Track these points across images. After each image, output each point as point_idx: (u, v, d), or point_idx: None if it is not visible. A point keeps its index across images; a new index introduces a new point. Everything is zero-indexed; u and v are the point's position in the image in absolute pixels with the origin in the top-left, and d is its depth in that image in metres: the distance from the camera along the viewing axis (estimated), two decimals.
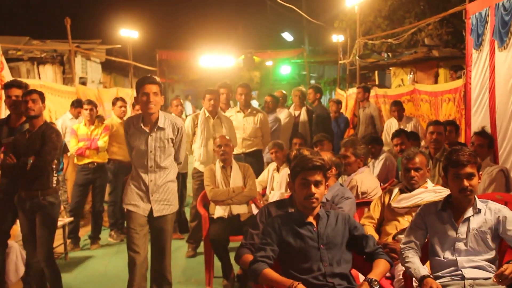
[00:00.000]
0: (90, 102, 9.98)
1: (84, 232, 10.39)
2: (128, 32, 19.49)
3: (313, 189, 4.45)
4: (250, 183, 7.75)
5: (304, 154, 5.30)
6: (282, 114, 12.24)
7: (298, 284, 4.15)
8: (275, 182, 8.60)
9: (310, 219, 4.53)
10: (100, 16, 25.61)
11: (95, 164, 9.75)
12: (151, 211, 6.10)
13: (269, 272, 4.30)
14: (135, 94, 6.35)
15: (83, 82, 16.66)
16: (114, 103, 10.63)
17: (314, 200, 4.47)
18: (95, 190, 9.89)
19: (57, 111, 11.41)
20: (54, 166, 6.48)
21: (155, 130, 6.06)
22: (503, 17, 7.56)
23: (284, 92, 14.04)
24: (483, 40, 8.46)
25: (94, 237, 9.88)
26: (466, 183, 4.53)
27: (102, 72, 19.32)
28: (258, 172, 8.94)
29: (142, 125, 6.07)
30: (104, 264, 8.77)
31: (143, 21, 22.65)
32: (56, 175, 6.53)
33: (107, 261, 8.93)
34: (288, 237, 4.45)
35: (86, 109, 9.76)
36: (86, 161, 9.71)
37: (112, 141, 10.09)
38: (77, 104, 10.92)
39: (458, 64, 14.39)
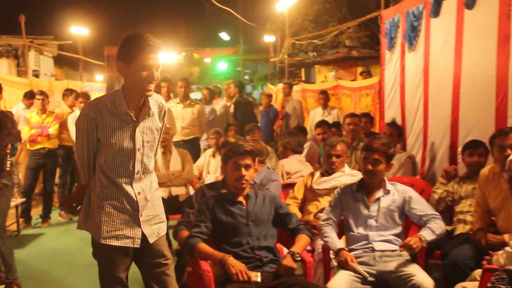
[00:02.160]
0: (42, 92, 9.79)
1: (36, 212, 10.20)
2: (79, 29, 19.16)
3: (243, 171, 4.51)
4: (188, 167, 7.74)
5: (233, 141, 5.36)
6: (218, 105, 12.36)
7: (229, 256, 4.22)
8: (211, 166, 8.61)
9: (241, 198, 4.57)
10: (53, 14, 25.12)
11: (46, 149, 9.56)
12: (143, 238, 3.80)
13: (203, 246, 4.34)
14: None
15: (36, 75, 16.35)
16: (66, 95, 10.52)
17: (244, 181, 4.52)
18: (46, 173, 9.72)
19: (11, 101, 11.14)
20: (8, 151, 6.35)
21: (143, 116, 3.74)
22: (413, 23, 7.73)
23: (219, 86, 14.20)
24: (395, 43, 8.62)
25: (45, 216, 9.73)
26: (370, 166, 4.66)
27: (54, 65, 19.00)
28: (195, 158, 8.94)
29: (127, 110, 3.67)
30: (54, 241, 8.64)
31: (93, 19, 22.25)
32: (10, 159, 6.40)
33: (57, 238, 8.81)
34: (220, 214, 4.49)
35: (39, 99, 9.57)
36: (38, 146, 9.52)
37: (62, 129, 9.95)
38: (29, 96, 10.72)
39: (366, 70, 14.73)
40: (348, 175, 5.80)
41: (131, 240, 3.75)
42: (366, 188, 4.80)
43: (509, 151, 4.65)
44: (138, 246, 3.77)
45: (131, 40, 3.56)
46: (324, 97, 11.74)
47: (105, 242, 3.70)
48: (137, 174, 3.75)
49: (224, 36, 39.50)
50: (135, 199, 3.74)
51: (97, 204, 3.73)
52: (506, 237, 4.46)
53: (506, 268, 3.52)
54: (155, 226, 3.88)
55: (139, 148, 3.72)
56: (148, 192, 3.83)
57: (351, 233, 4.71)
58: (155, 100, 3.83)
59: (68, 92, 10.69)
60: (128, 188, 3.73)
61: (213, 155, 8.75)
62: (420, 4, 7.52)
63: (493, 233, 4.78)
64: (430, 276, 4.22)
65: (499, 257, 4.02)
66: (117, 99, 3.67)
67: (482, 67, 5.94)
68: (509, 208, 4.64)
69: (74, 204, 3.92)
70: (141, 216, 3.77)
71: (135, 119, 3.69)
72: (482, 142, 5.50)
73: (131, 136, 3.69)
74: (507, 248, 4.00)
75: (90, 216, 3.77)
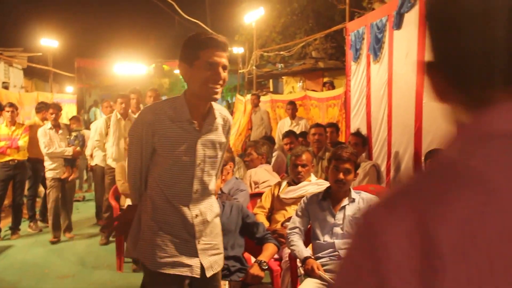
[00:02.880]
0: (11, 104, 9.67)
1: (5, 224, 10.05)
2: (49, 41, 19.00)
3: None
4: None
5: None
6: None
7: None
8: None
9: None
10: (22, 26, 24.80)
11: (16, 161, 9.44)
12: (201, 270, 3.29)
13: None
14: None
15: (6, 87, 16.16)
16: (41, 108, 10.44)
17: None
18: (16, 185, 9.59)
19: None
20: None
21: (207, 127, 3.27)
22: (377, 35, 7.80)
23: None
24: (360, 54, 8.70)
25: (15, 228, 9.59)
26: (341, 176, 4.68)
27: (24, 77, 18.81)
28: None
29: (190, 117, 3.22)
30: (23, 253, 8.51)
31: (63, 30, 22.11)
32: None
33: (26, 250, 8.67)
34: None
35: (8, 111, 9.45)
36: (7, 158, 9.40)
37: (31, 141, 9.84)
38: None
39: (328, 81, 14.85)
40: (314, 184, 5.81)
41: (188, 268, 3.23)
42: (332, 197, 4.81)
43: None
44: (198, 276, 3.25)
45: (194, 38, 3.19)
46: (292, 108, 11.78)
47: (157, 270, 3.20)
48: (195, 193, 3.24)
49: None
50: (192, 222, 3.24)
51: (148, 226, 3.24)
52: None
53: None
54: (212, 257, 3.35)
55: (199, 163, 3.22)
56: (207, 215, 3.32)
57: (318, 241, 4.71)
58: (219, 112, 3.36)
59: (42, 105, 10.58)
60: (184, 209, 3.23)
61: None
62: (384, 17, 7.61)
63: None
64: None
65: None
66: (179, 105, 3.22)
67: None
68: None
69: (122, 228, 3.49)
70: (198, 243, 3.27)
71: (197, 129, 3.22)
72: None
73: (191, 148, 3.19)
74: None
75: (140, 241, 3.28)
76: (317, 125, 8.26)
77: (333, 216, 4.70)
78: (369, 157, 8.03)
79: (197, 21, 20.33)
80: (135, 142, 3.27)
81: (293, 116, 11.72)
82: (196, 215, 3.25)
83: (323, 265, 4.48)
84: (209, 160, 3.27)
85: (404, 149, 6.97)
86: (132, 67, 28.93)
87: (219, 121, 3.33)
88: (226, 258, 4.37)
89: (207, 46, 3.09)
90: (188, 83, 3.23)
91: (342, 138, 9.52)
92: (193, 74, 3.14)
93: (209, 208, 3.35)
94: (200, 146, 3.21)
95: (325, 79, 16.16)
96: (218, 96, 3.15)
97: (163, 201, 3.22)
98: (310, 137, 8.07)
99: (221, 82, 3.12)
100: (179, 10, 18.10)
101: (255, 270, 4.28)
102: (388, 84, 7.50)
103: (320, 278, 4.37)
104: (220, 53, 3.11)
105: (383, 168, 7.48)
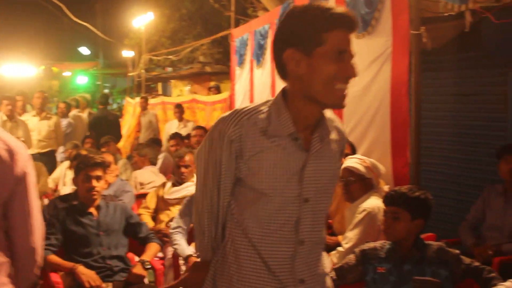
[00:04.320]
0: None
1: None
2: None
3: (94, 183, 4.41)
4: (42, 180, 7.47)
5: (85, 154, 5.26)
6: (75, 119, 12.10)
7: (79, 265, 4.12)
8: (67, 178, 8.34)
9: (92, 209, 4.46)
10: None
11: None
12: None
13: (53, 258, 4.19)
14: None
15: None
16: None
17: (95, 192, 4.43)
18: None
19: None
20: None
21: (317, 145, 2.09)
22: (260, 41, 7.93)
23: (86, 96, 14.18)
24: (244, 59, 8.81)
25: None
26: None
27: None
28: (51, 170, 8.65)
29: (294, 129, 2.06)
30: None
31: None
32: None
33: None
34: (71, 226, 4.35)
35: None
36: None
37: None
38: None
39: (214, 85, 14.99)
40: None
41: None
42: None
43: (342, 160, 4.82)
44: None
45: (314, 12, 1.99)
46: (179, 110, 11.76)
47: None
48: (302, 244, 2.07)
49: (84, 50, 38.51)
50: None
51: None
52: (340, 238, 4.64)
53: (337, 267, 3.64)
54: None
55: (308, 199, 2.06)
56: (317, 282, 2.15)
57: None
58: (332, 123, 2.19)
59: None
60: (284, 269, 2.07)
61: (70, 167, 8.50)
62: (266, 24, 7.75)
63: (330, 235, 4.97)
64: None
65: (332, 256, 4.19)
66: (276, 112, 2.08)
67: None
68: (342, 212, 4.83)
69: None
70: None
71: (304, 147, 2.06)
72: None
73: (297, 176, 2.05)
74: (339, 248, 4.19)
75: None
76: (198, 127, 8.43)
77: None
78: None
79: (85, 24, 19.90)
80: (210, 168, 2.14)
81: (180, 118, 11.70)
82: (302, 281, 2.08)
83: None
84: (324, 193, 2.12)
85: None
86: (20, 68, 27.94)
87: (333, 137, 2.16)
88: (109, 257, 4.34)
89: (337, 25, 1.97)
90: (298, 80, 2.03)
91: None
92: (311, 68, 1.98)
93: (320, 268, 2.18)
94: (310, 172, 2.06)
95: (212, 83, 16.24)
96: (344, 103, 2.04)
97: (252, 257, 2.07)
98: (192, 139, 8.17)
99: (350, 81, 2.03)
100: (68, 13, 17.66)
101: (137, 270, 4.25)
102: (271, 88, 7.64)
103: None
104: (350, 37, 2.02)
105: None
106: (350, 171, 4.41)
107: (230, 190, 2.13)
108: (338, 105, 2.05)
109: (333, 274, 3.42)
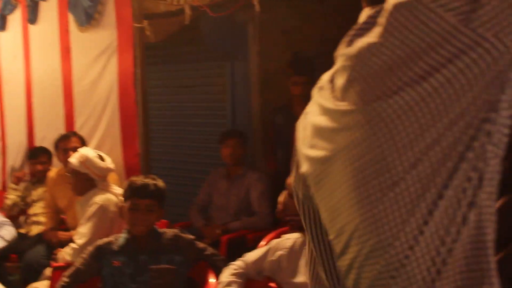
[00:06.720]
0: None
1: None
2: None
3: None
4: None
5: None
6: None
7: None
8: None
9: None
10: None
11: None
12: None
13: None
14: None
15: None
16: None
17: None
18: None
19: None
20: None
21: None
22: None
23: None
24: None
25: None
26: None
27: None
28: None
29: None
30: None
31: None
32: None
33: None
34: None
35: None
36: None
37: None
38: None
39: None
40: None
41: None
42: None
43: (70, 153, 4.60)
44: None
45: None
46: None
47: None
48: None
49: None
50: None
51: None
52: (73, 233, 4.44)
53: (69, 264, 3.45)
54: None
55: None
56: None
57: None
58: None
59: None
60: None
61: None
62: None
63: (64, 230, 4.80)
64: (8, 278, 4.04)
65: (65, 254, 4.01)
66: None
67: (49, 77, 5.89)
68: (75, 206, 4.65)
69: None
70: None
71: None
72: (45, 150, 5.51)
73: None
74: (72, 244, 3.99)
75: None
76: None
77: None
78: None
79: None
80: None
81: None
82: None
83: None
84: None
85: (18, 147, 6.58)
86: None
87: None
88: None
89: None
90: None
91: None
92: None
93: None
94: None
95: None
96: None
97: None
98: None
99: None
100: None
101: None
102: None
103: None
104: None
105: None
106: (69, 165, 4.29)
107: None
108: None
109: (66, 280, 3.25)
